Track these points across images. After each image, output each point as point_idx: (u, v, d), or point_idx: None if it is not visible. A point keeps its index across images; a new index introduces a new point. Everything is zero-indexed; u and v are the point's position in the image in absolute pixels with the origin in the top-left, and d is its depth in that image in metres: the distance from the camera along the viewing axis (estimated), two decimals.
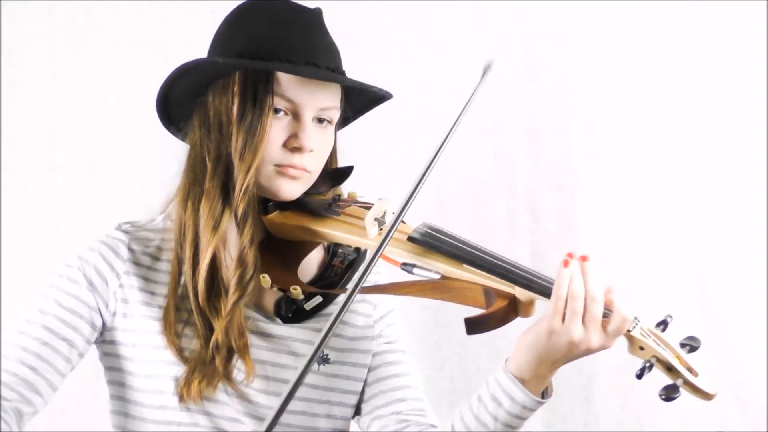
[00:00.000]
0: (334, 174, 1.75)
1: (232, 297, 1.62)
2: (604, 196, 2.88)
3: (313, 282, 1.72)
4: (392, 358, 1.75)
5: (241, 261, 1.62)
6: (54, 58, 2.74)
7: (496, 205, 2.87)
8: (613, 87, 2.88)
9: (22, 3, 2.72)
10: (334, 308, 1.71)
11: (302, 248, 1.70)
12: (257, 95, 1.61)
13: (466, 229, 2.86)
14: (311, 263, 1.74)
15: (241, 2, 1.68)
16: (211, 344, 1.62)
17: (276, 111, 1.62)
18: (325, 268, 1.74)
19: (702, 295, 2.86)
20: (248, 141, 1.60)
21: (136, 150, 2.74)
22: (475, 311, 1.55)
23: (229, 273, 1.62)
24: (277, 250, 1.68)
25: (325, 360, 1.71)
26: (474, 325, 1.53)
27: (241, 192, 1.61)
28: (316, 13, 1.68)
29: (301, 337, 1.69)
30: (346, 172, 1.76)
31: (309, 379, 1.68)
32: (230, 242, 1.64)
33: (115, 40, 2.76)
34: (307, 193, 1.69)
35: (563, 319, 1.51)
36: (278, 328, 1.68)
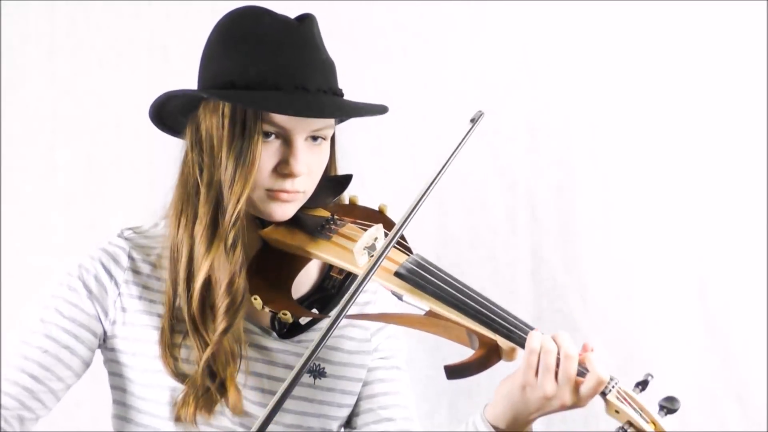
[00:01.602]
0: (334, 183, 1.73)
1: (219, 326, 1.60)
2: (604, 196, 2.88)
3: (311, 293, 1.71)
4: (385, 375, 1.75)
5: (230, 289, 1.60)
6: (54, 58, 2.74)
7: (496, 205, 2.86)
8: (613, 87, 2.88)
9: (22, 3, 2.72)
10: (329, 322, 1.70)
11: (297, 263, 1.69)
12: (246, 121, 1.57)
13: (466, 229, 2.86)
14: (309, 273, 1.73)
15: (233, 9, 1.65)
16: (202, 365, 1.60)
17: (266, 135, 1.59)
18: (323, 278, 1.73)
19: (702, 295, 2.86)
20: (237, 170, 1.57)
21: (136, 150, 2.74)
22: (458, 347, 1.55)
23: (221, 297, 1.61)
24: (271, 266, 1.66)
25: (321, 374, 1.70)
26: (454, 372, 1.54)
27: (231, 222, 1.59)
28: (308, 27, 1.63)
29: (296, 350, 1.69)
30: (346, 181, 1.74)
31: (305, 392, 1.68)
32: (223, 265, 1.61)
33: (115, 40, 2.76)
34: (307, 207, 1.67)
35: (536, 374, 1.50)
36: (274, 342, 1.67)
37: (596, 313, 2.84)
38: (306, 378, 1.69)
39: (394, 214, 1.76)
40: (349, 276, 1.71)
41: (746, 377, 2.84)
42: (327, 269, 1.73)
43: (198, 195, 1.61)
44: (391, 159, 2.84)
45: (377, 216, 1.75)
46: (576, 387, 1.50)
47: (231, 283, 1.60)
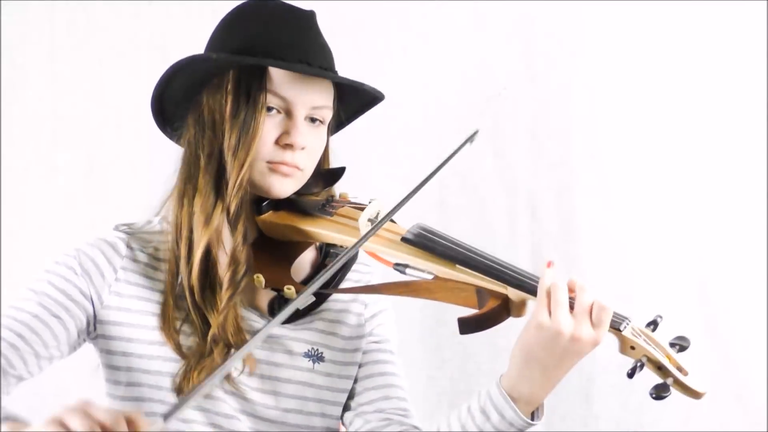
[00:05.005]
0: (327, 174, 1.78)
1: (225, 293, 1.64)
2: (604, 196, 2.88)
3: (306, 282, 1.73)
4: (380, 357, 1.78)
5: (233, 259, 1.65)
6: (54, 58, 2.75)
7: (496, 205, 2.87)
8: (614, 87, 2.88)
9: (22, 3, 2.72)
10: (327, 305, 1.74)
11: (295, 248, 1.72)
12: (251, 92, 1.64)
13: (466, 228, 2.86)
14: (304, 263, 1.76)
15: (239, 3, 1.70)
16: (209, 338, 1.63)
17: (269, 109, 1.65)
18: (318, 268, 1.76)
19: (702, 295, 2.87)
20: (242, 138, 1.63)
21: (136, 150, 2.74)
22: (467, 311, 1.57)
23: (223, 270, 1.64)
24: (271, 250, 1.70)
25: (319, 358, 1.72)
26: (467, 325, 1.55)
27: (235, 188, 1.63)
28: (310, 15, 1.71)
29: (295, 335, 1.71)
30: (339, 172, 1.79)
31: (304, 377, 1.71)
32: (225, 240, 1.66)
33: (115, 40, 2.76)
34: (299, 194, 1.71)
35: (550, 313, 1.52)
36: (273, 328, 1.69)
37: None
38: (305, 363, 1.71)
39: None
40: (345, 265, 1.74)
41: (746, 377, 2.85)
42: (322, 258, 1.77)
43: (198, 169, 1.66)
44: (391, 158, 2.84)
45: None
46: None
47: (234, 253, 1.65)
